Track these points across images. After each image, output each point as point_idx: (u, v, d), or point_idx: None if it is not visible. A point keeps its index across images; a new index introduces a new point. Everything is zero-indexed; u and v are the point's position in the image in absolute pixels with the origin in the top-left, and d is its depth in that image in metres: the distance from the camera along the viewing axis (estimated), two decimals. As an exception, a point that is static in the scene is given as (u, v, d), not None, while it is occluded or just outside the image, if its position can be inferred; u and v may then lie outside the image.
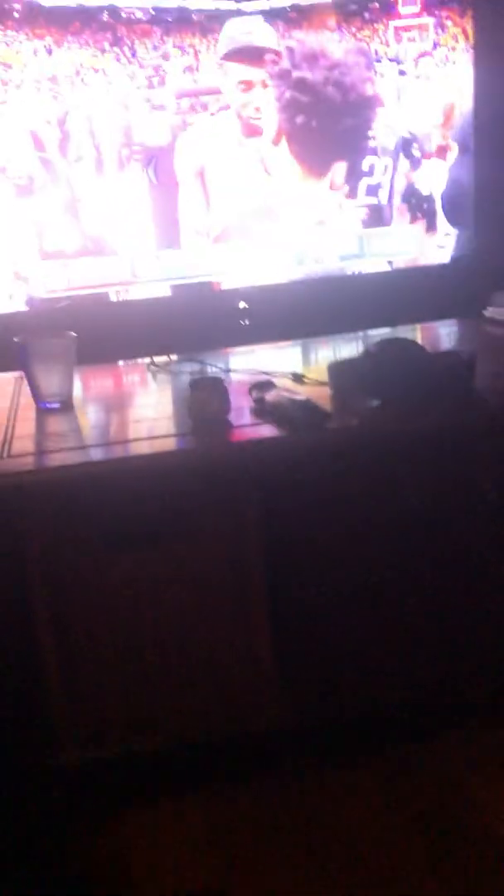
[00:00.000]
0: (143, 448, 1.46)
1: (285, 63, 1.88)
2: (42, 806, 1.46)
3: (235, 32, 1.86)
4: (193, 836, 1.44)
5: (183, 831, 1.45)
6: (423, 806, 1.47)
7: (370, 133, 1.97)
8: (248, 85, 1.90)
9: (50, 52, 1.79)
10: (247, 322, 2.03)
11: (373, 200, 2.01)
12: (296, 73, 1.89)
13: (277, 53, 1.88)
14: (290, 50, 1.89)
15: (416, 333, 1.99)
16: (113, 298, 1.97)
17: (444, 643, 1.57)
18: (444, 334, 2.06)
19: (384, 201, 2.03)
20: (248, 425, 1.48)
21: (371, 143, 1.98)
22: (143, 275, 1.96)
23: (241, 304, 2.02)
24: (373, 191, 2.02)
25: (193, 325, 1.99)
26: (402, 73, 1.95)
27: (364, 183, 2.01)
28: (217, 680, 1.50)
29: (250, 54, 1.88)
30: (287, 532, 1.47)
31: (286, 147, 1.94)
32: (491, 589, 1.56)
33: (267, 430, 1.45)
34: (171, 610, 1.46)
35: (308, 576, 1.49)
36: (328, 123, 1.94)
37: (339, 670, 1.55)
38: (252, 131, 1.92)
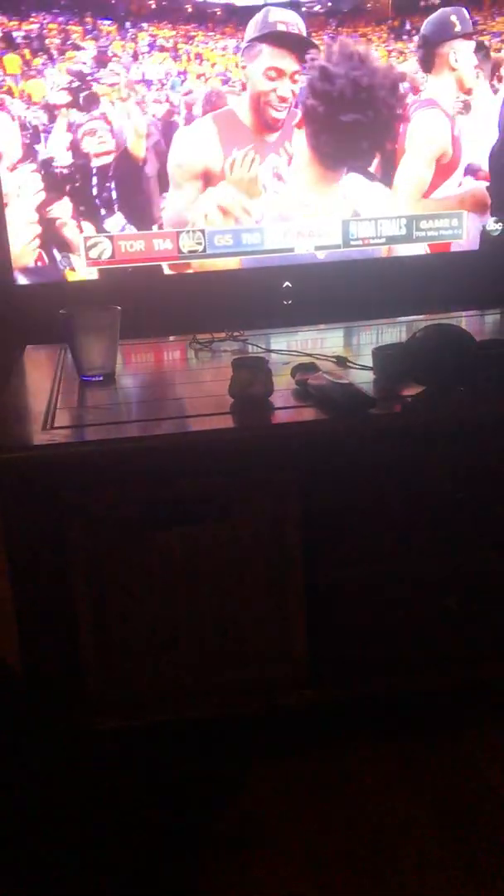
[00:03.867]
0: (183, 425, 1.46)
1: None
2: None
3: (276, 19, 1.87)
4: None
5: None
6: (443, 792, 1.48)
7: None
8: (278, 73, 1.89)
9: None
10: (289, 302, 2.02)
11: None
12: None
13: (317, 48, 1.90)
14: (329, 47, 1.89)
15: (461, 321, 1.96)
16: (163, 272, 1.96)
17: (479, 630, 1.57)
18: (491, 322, 2.03)
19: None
20: (290, 407, 1.47)
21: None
22: (186, 250, 1.96)
23: (285, 284, 2.01)
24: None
25: (236, 304, 1.98)
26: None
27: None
28: (249, 657, 1.51)
29: (291, 43, 1.87)
30: (325, 516, 1.46)
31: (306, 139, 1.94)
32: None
33: (309, 413, 1.44)
34: (206, 587, 1.47)
35: (344, 559, 1.49)
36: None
37: (370, 653, 1.55)
38: (266, 124, 1.92)
